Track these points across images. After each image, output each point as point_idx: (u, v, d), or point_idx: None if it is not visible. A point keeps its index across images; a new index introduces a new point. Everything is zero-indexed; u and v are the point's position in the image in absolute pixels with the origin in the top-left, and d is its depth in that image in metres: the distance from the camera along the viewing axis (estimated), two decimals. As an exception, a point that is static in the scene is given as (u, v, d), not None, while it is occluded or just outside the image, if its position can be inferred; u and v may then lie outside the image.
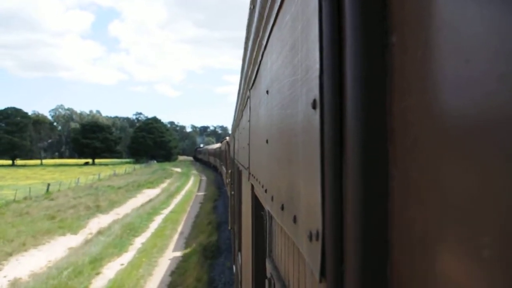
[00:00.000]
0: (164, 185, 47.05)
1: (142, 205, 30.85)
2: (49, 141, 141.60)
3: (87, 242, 19.29)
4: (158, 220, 25.01)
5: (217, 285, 12.51)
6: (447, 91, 0.46)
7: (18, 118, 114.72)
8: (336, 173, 0.75)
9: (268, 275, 2.09)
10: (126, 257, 16.51)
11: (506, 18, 0.36)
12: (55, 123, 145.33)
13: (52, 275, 14.04)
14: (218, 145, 46.21)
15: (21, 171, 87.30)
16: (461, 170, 0.43)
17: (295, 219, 1.14)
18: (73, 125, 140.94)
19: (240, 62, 4.66)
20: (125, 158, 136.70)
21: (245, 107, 4.64)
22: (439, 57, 0.48)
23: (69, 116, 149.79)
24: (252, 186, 3.49)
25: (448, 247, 0.45)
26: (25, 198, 34.23)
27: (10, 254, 16.98)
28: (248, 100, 3.84)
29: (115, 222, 23.96)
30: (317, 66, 0.83)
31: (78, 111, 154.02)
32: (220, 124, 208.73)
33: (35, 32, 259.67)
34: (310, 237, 0.90)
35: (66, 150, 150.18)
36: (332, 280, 0.77)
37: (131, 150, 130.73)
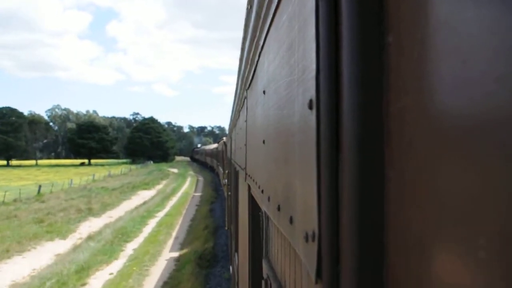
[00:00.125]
0: (160, 186, 45.98)
1: (136, 208, 29.55)
2: (45, 141, 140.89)
3: (75, 248, 18.10)
4: (152, 224, 23.91)
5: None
6: (444, 91, 0.46)
7: (13, 118, 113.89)
8: (332, 173, 0.75)
9: (265, 275, 2.09)
10: (115, 266, 15.38)
11: (503, 18, 0.36)
12: (51, 123, 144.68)
13: (34, 286, 13.10)
14: (215, 145, 46.14)
15: (15, 171, 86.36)
16: (458, 171, 0.43)
17: (291, 220, 1.13)
18: (69, 125, 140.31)
19: (238, 63, 4.66)
20: (122, 158, 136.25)
21: (242, 107, 4.64)
22: (435, 57, 0.47)
23: (65, 116, 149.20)
24: (249, 187, 3.49)
25: (444, 248, 0.45)
26: (14, 200, 32.90)
27: (-8, 262, 15.76)
28: (245, 100, 3.84)
29: (106, 226, 22.76)
30: (314, 66, 0.83)
31: (75, 111, 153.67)
32: (218, 125, 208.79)
33: (33, 32, 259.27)
34: (306, 238, 0.90)
35: (62, 151, 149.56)
36: (328, 281, 0.77)
37: (128, 151, 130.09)
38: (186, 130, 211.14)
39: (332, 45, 0.76)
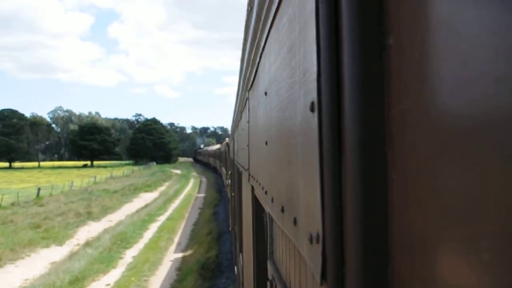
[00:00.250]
0: (162, 188, 45.13)
1: (137, 211, 28.47)
2: (47, 143, 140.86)
3: (72, 255, 16.93)
4: (153, 228, 22.73)
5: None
6: (444, 93, 0.46)
7: (15, 120, 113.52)
8: (335, 175, 0.75)
9: (270, 277, 2.09)
10: (113, 275, 14.26)
11: (504, 19, 0.36)
12: (53, 125, 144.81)
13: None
14: (217, 146, 46.07)
15: (17, 174, 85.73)
16: (460, 172, 0.43)
17: (295, 221, 1.14)
18: (72, 127, 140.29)
19: (239, 64, 4.66)
20: (125, 160, 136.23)
21: (244, 108, 4.65)
22: (436, 59, 0.48)
23: (68, 118, 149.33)
24: (252, 188, 3.49)
25: (448, 249, 0.45)
26: (12, 204, 31.79)
27: (-19, 272, 14.68)
28: (247, 101, 3.84)
29: (106, 231, 21.62)
30: (315, 68, 0.83)
31: (77, 113, 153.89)
32: (221, 125, 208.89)
33: (34, 33, 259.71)
34: (311, 240, 0.90)
35: (65, 152, 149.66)
36: (333, 282, 0.77)
37: (130, 152, 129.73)
38: (189, 131, 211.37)
39: (333, 47, 0.76)
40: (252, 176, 3.25)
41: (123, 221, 24.74)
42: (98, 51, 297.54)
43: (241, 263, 6.89)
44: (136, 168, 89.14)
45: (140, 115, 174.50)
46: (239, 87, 5.57)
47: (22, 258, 16.90)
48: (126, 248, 18.21)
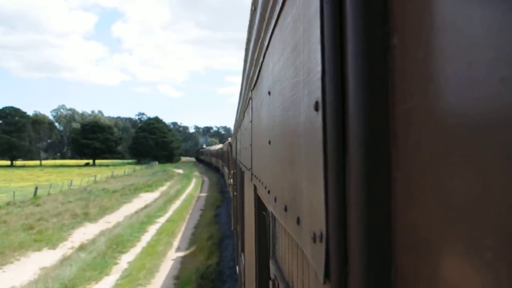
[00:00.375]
0: (163, 188, 43.78)
1: (136, 212, 27.16)
2: (49, 141, 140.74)
3: (64, 260, 15.77)
4: (151, 231, 21.50)
5: None
6: (449, 93, 0.46)
7: (17, 118, 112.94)
8: (339, 174, 0.75)
9: (272, 276, 2.09)
10: (105, 284, 13.35)
11: (508, 19, 0.36)
12: (56, 124, 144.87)
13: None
14: (220, 146, 45.94)
15: (18, 172, 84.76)
16: (464, 172, 0.43)
17: (298, 221, 1.14)
18: (74, 125, 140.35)
19: (242, 63, 4.66)
20: (127, 159, 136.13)
21: (247, 108, 4.65)
22: (441, 59, 0.48)
23: (71, 117, 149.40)
24: (255, 187, 3.49)
25: (452, 249, 0.46)
26: (8, 204, 30.39)
27: (-34, 278, 13.47)
28: (250, 101, 3.85)
29: (102, 233, 20.44)
30: (319, 68, 0.83)
31: (80, 112, 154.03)
32: (224, 125, 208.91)
33: (39, 33, 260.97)
34: (314, 239, 0.91)
35: (68, 151, 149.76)
36: (337, 282, 0.77)
37: (133, 151, 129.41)
38: (191, 130, 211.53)
39: (337, 46, 0.76)
40: (255, 176, 3.26)
41: (121, 222, 23.57)
42: (102, 50, 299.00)
43: (243, 262, 6.89)
44: (138, 167, 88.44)
45: (143, 114, 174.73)
46: (242, 87, 5.57)
47: (11, 262, 15.81)
48: (122, 252, 17.11)
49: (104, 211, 27.48)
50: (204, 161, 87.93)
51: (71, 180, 47.45)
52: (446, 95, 0.47)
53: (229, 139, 19.15)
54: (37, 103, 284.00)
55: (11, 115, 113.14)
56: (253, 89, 3.43)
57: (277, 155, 1.67)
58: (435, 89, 0.49)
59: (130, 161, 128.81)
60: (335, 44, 0.77)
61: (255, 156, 3.26)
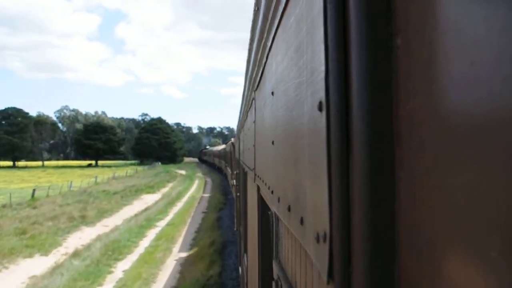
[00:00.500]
0: (165, 189, 42.86)
1: (136, 215, 26.05)
2: (51, 142, 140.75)
3: (56, 268, 14.65)
4: (150, 235, 20.32)
5: None
6: (452, 93, 0.46)
7: (19, 119, 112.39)
8: (343, 174, 0.75)
9: (275, 276, 2.09)
10: None
11: (511, 19, 0.36)
12: (60, 124, 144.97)
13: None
14: (223, 146, 45.90)
15: (19, 173, 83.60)
16: (468, 172, 0.43)
17: (302, 221, 1.14)
18: (78, 126, 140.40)
19: (245, 64, 4.67)
20: (130, 159, 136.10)
21: (250, 108, 4.65)
22: (444, 59, 0.48)
23: (74, 117, 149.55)
24: (258, 187, 3.49)
25: (455, 249, 0.46)
26: (3, 206, 29.14)
27: None
28: (253, 101, 3.85)
29: (99, 238, 19.32)
30: (323, 68, 0.84)
31: (84, 112, 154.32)
32: (227, 125, 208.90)
33: (42, 33, 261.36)
34: (318, 239, 0.91)
35: (71, 152, 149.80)
36: (340, 282, 0.77)
37: (135, 152, 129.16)
38: (195, 131, 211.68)
39: (341, 47, 0.77)
40: (258, 176, 3.26)
41: (119, 226, 22.48)
42: (105, 51, 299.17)
43: (246, 263, 6.89)
44: (140, 168, 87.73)
45: (146, 114, 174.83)
46: (245, 87, 5.57)
47: (-1, 270, 14.85)
48: (118, 259, 15.95)
49: (103, 214, 26.53)
50: (207, 162, 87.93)
51: (71, 182, 46.52)
52: (449, 95, 0.47)
53: (232, 139, 18.96)
54: (41, 103, 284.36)
55: (14, 116, 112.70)
56: (256, 89, 3.43)
57: (281, 155, 1.67)
58: (439, 89, 0.49)
59: (133, 162, 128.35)
60: (338, 44, 0.77)
61: (258, 157, 3.26)
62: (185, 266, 14.73)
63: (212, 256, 15.08)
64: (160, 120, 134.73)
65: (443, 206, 0.48)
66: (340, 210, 0.76)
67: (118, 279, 13.76)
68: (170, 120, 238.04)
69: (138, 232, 21.00)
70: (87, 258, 15.80)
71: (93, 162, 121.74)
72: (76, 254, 16.55)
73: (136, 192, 39.04)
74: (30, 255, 16.60)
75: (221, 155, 44.90)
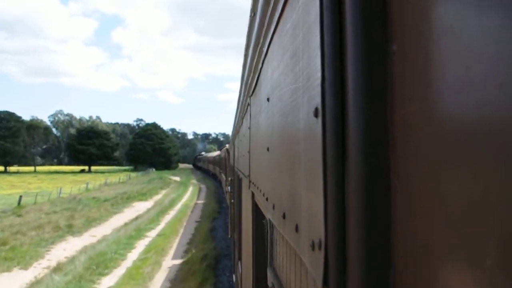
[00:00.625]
0: (158, 196, 41.33)
1: (125, 224, 24.63)
2: (44, 146, 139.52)
3: (34, 284, 13.35)
4: (140, 247, 18.95)
5: None
6: (447, 98, 0.46)
7: (11, 123, 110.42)
8: (339, 181, 0.75)
9: (270, 284, 2.08)
10: None
11: (506, 26, 0.36)
12: (54, 129, 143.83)
13: None
14: (217, 152, 45.80)
15: (9, 178, 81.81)
16: (463, 177, 0.43)
17: (297, 228, 1.13)
18: (72, 131, 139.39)
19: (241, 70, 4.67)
20: (124, 165, 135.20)
21: (245, 114, 4.65)
22: (439, 64, 0.48)
23: (68, 122, 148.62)
24: (253, 194, 3.48)
25: (450, 255, 0.45)
26: None
27: None
28: (249, 107, 3.85)
29: (84, 249, 18.00)
30: (319, 74, 0.84)
31: (78, 117, 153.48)
32: (222, 132, 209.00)
33: (39, 38, 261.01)
34: (313, 246, 0.90)
35: (65, 157, 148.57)
36: (335, 289, 0.76)
37: (129, 157, 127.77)
38: (190, 137, 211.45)
39: (337, 53, 0.77)
40: (253, 183, 3.25)
41: (107, 236, 21.12)
42: (102, 56, 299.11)
43: (240, 271, 6.86)
44: (133, 174, 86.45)
45: (141, 120, 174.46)
46: (240, 93, 5.58)
47: (-28, 286, 13.37)
48: (103, 274, 14.57)
49: (91, 222, 25.21)
50: (202, 168, 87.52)
51: (61, 188, 44.93)
52: (444, 101, 0.47)
53: (227, 145, 18.76)
54: (37, 108, 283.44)
55: (6, 120, 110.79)
56: (251, 95, 3.43)
57: (276, 161, 1.67)
58: (434, 94, 0.49)
59: (126, 167, 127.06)
60: (335, 50, 0.77)
61: (253, 163, 3.25)
62: (174, 283, 13.56)
63: (204, 273, 13.77)
64: (155, 126, 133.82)
65: (438, 213, 0.47)
66: (336, 217, 0.75)
67: (101, 297, 12.58)
68: (166, 125, 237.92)
69: (126, 243, 19.67)
70: (70, 272, 14.50)
71: (86, 167, 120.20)
72: (58, 268, 15.21)
73: (127, 199, 37.49)
74: (8, 269, 15.27)
75: (216, 161, 44.83)
